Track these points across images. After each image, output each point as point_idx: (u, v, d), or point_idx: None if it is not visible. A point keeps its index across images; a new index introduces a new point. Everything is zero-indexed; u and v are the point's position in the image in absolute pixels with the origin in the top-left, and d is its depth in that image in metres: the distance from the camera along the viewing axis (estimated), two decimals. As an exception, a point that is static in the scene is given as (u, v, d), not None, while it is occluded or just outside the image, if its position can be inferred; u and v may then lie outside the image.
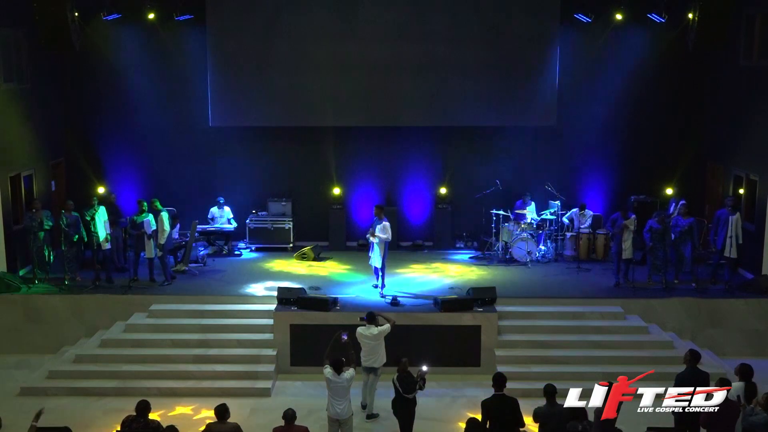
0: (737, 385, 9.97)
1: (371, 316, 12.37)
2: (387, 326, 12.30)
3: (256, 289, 15.71)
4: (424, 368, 10.91)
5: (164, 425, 9.50)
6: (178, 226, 17.32)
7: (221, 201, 18.46)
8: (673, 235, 15.68)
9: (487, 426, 9.59)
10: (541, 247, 17.69)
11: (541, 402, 9.66)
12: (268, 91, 18.45)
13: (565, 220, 18.06)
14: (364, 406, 12.50)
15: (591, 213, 18.21)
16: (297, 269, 17.17)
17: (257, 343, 14.26)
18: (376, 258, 15.20)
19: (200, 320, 14.68)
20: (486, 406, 9.67)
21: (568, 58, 18.58)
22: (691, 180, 18.82)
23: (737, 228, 15.29)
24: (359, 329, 12.26)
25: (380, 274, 15.30)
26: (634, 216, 15.83)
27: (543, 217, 18.11)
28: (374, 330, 12.20)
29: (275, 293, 14.81)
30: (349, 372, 10.61)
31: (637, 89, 18.77)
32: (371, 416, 12.38)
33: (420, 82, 18.40)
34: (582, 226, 17.83)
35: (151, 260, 15.88)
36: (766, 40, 16.27)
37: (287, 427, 9.50)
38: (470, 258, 18.05)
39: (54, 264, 16.13)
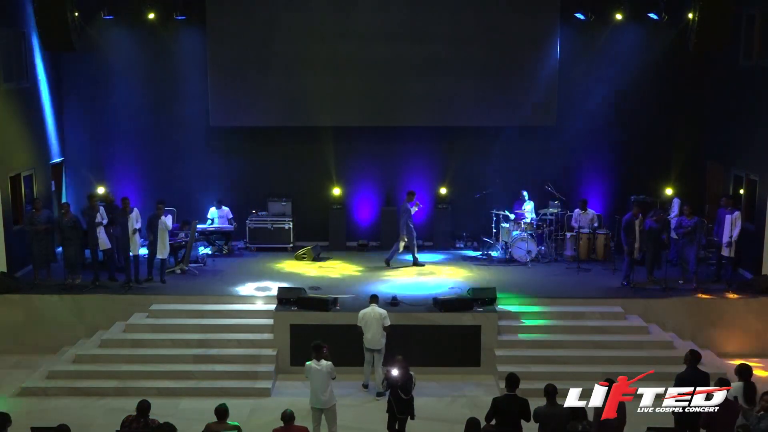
0: (736, 385, 9.96)
1: (376, 297, 13.28)
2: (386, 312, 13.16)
3: (253, 288, 15.75)
4: (393, 372, 10.93)
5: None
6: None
7: (220, 201, 18.47)
8: (676, 235, 15.68)
9: (492, 423, 9.60)
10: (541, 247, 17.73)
11: (542, 402, 9.67)
12: (268, 91, 18.44)
13: (574, 224, 17.98)
14: (365, 386, 13.30)
15: (593, 212, 18.17)
16: (304, 270, 17.18)
17: (257, 343, 14.26)
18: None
19: (200, 320, 14.68)
20: (495, 404, 9.69)
21: (568, 58, 18.58)
22: (691, 180, 18.82)
23: (733, 227, 15.30)
24: (365, 310, 12.97)
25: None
26: (641, 216, 15.86)
27: (542, 216, 18.12)
28: (378, 310, 12.97)
29: (275, 293, 14.83)
30: (328, 363, 10.98)
31: (636, 89, 18.76)
32: (380, 394, 12.95)
33: (420, 82, 18.38)
34: (583, 228, 17.74)
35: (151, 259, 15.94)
36: (766, 40, 16.27)
37: (286, 428, 9.50)
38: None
39: (55, 265, 16.13)
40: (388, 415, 11.06)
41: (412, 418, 11.04)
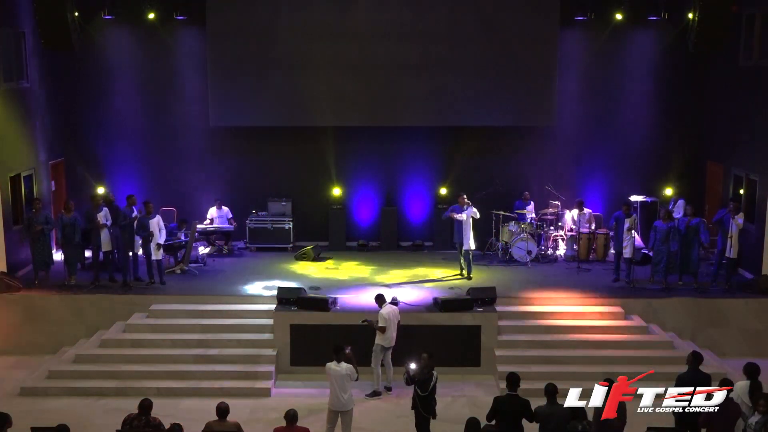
0: (743, 383, 9.90)
1: (383, 296, 13.31)
2: None
3: (256, 288, 15.75)
4: (412, 366, 10.91)
5: (165, 424, 9.50)
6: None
7: (220, 201, 18.47)
8: (678, 235, 15.69)
9: (493, 423, 9.59)
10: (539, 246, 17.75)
11: (542, 402, 9.66)
12: (268, 91, 18.44)
13: (571, 225, 18.00)
14: (389, 389, 13.39)
15: (590, 211, 18.19)
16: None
17: (257, 343, 14.26)
18: (467, 241, 16.13)
19: (200, 320, 14.68)
20: (496, 403, 9.70)
21: (568, 58, 18.58)
22: (691, 180, 18.83)
23: (736, 228, 15.30)
24: (386, 310, 13.02)
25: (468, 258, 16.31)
26: (635, 215, 15.84)
27: (542, 216, 18.13)
28: (395, 307, 13.31)
29: (275, 293, 14.84)
30: (348, 365, 10.90)
31: (636, 89, 18.79)
32: (376, 393, 13.27)
33: (420, 82, 18.38)
34: (583, 228, 17.77)
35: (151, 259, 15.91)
36: (766, 40, 16.27)
37: (288, 428, 9.49)
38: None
39: (54, 264, 16.13)
40: (414, 413, 11.03)
41: (433, 417, 10.93)
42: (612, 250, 16.82)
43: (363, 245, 18.94)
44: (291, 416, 9.51)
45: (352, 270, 17.15)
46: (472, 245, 16.28)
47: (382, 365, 13.27)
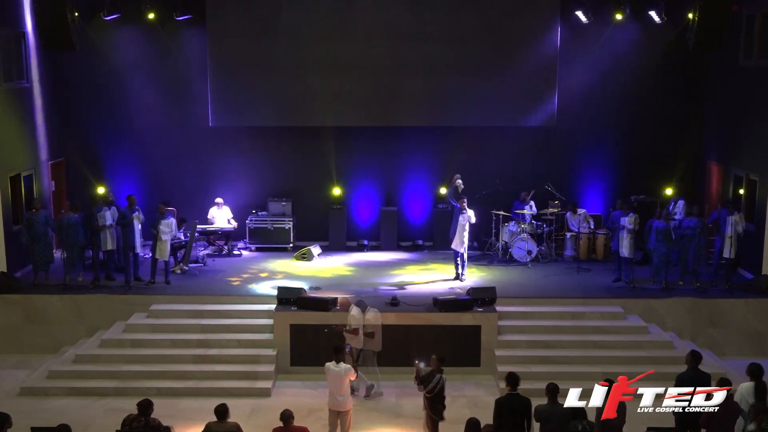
0: (747, 384, 9.88)
1: (364, 303, 13.22)
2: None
3: (258, 288, 15.74)
4: (421, 365, 10.90)
5: (163, 425, 9.51)
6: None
7: (220, 201, 18.47)
8: (674, 236, 15.67)
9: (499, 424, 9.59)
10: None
11: (541, 401, 9.66)
12: (268, 91, 18.44)
13: (573, 228, 18.01)
14: (381, 393, 13.25)
15: (584, 211, 18.19)
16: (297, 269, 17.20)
17: (257, 343, 14.26)
18: (459, 243, 15.97)
19: (200, 320, 14.68)
20: (499, 404, 9.69)
21: (568, 58, 18.58)
22: (691, 180, 18.83)
23: (734, 228, 15.27)
24: (373, 315, 12.99)
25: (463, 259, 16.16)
26: (634, 214, 15.83)
27: (542, 216, 18.12)
28: (377, 312, 13.15)
29: (275, 293, 14.83)
30: (347, 366, 10.92)
31: (636, 89, 18.76)
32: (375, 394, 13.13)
33: (420, 82, 18.39)
34: (582, 228, 17.77)
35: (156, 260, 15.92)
36: (766, 40, 16.28)
37: (285, 428, 9.51)
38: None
39: (55, 264, 16.13)
40: (425, 413, 10.99)
41: (440, 419, 10.77)
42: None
43: (363, 245, 18.94)
44: (286, 417, 9.53)
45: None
46: (463, 247, 16.11)
47: (367, 365, 13.05)
